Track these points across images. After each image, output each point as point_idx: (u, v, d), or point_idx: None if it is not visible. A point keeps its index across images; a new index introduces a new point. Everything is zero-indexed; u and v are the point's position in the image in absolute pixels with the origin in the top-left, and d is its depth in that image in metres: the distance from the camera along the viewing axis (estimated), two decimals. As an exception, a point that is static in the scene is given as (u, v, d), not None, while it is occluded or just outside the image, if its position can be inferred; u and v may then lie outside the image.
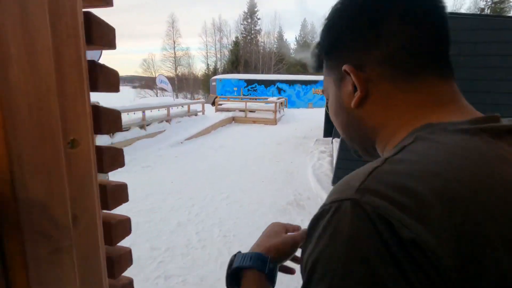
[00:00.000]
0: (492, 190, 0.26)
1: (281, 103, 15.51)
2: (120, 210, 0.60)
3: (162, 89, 19.64)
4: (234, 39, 40.23)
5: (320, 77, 19.41)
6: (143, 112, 8.94)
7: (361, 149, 0.46)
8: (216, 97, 15.93)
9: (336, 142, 6.59)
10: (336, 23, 0.41)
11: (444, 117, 0.34)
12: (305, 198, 4.72)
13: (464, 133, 0.31)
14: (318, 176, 5.64)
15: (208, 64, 41.17)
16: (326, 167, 6.16)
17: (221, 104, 14.72)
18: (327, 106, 0.49)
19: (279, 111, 14.42)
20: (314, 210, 2.99)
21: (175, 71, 37.20)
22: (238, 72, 30.65)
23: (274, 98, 16.66)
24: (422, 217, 0.24)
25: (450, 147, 0.29)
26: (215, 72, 39.07)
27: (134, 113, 8.67)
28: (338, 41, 0.41)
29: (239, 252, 0.50)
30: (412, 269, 0.23)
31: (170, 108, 10.65)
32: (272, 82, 24.15)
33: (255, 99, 16.43)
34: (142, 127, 8.81)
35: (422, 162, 0.29)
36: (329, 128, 8.66)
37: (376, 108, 0.39)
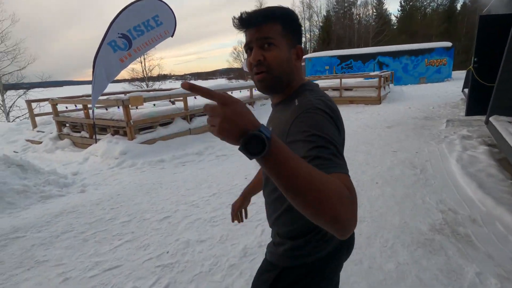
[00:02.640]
0: (336, 108, 0.80)
1: (386, 77, 12.51)
2: None
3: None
4: (325, 13, 36.81)
5: (435, 45, 14.92)
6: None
7: (281, 80, 0.82)
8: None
9: (500, 121, 4.01)
10: (299, 25, 0.87)
11: (307, 81, 0.89)
12: (466, 219, 2.65)
13: (317, 86, 0.87)
14: (476, 177, 3.36)
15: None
16: (486, 162, 3.75)
17: None
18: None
19: (383, 88, 11.57)
20: (492, 250, 2.18)
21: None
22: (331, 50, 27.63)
23: (376, 73, 13.69)
24: (337, 115, 0.77)
25: (320, 92, 0.83)
26: (304, 54, 36.66)
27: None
28: (300, 34, 0.86)
29: (247, 138, 0.50)
30: (336, 126, 0.72)
31: (253, 89, 9.49)
32: (372, 56, 20.50)
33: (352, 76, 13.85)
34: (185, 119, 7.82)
35: (321, 97, 0.78)
36: (476, 104, 5.81)
37: (298, 70, 0.86)
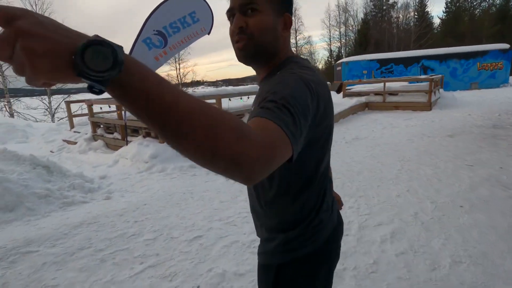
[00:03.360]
0: (327, 89, 0.71)
1: (437, 81, 11.30)
2: None
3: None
4: (362, 16, 35.36)
5: (490, 47, 13.27)
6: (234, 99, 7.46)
7: (263, 49, 0.74)
8: (342, 83, 13.21)
9: None
10: None
11: (295, 54, 0.82)
12: None
13: (306, 61, 0.80)
14: None
15: (331, 50, 37.95)
16: None
17: (349, 88, 11.97)
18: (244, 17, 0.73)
19: (433, 93, 10.41)
20: None
21: (296, 61, 36.02)
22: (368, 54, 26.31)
23: (426, 76, 12.49)
24: (319, 88, 0.66)
25: (308, 65, 0.75)
26: (338, 59, 35.58)
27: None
28: (289, 1, 0.78)
29: (81, 50, 0.31)
30: (317, 102, 0.63)
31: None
32: (415, 60, 19.01)
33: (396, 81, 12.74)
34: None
35: (307, 70, 0.70)
36: None
37: (285, 41, 0.78)
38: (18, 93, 20.92)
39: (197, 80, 33.00)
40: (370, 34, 33.43)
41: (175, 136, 0.38)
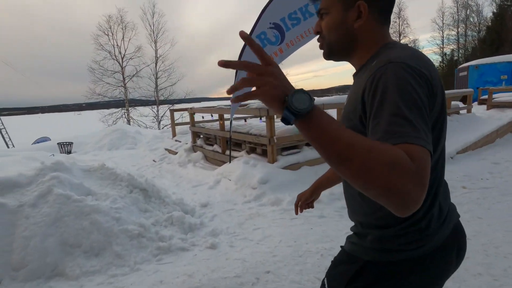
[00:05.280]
0: (434, 68, 0.66)
1: None
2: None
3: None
4: (494, 10, 28.65)
5: None
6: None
7: (335, 46, 0.77)
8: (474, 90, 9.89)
9: None
10: None
11: (392, 40, 0.75)
12: None
13: (405, 45, 0.72)
14: None
15: (444, 54, 31.99)
16: None
17: (494, 98, 8.90)
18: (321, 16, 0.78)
19: None
20: None
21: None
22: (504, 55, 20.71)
23: None
24: (430, 73, 0.62)
25: (409, 47, 0.70)
26: (451, 65, 29.74)
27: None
28: None
29: (292, 95, 0.50)
30: (428, 89, 0.60)
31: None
32: None
33: None
34: None
35: (408, 51, 0.67)
36: None
37: (366, 30, 0.73)
38: (136, 102, 24.06)
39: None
40: (507, 30, 26.64)
41: (336, 163, 0.49)
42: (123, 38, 22.21)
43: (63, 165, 2.71)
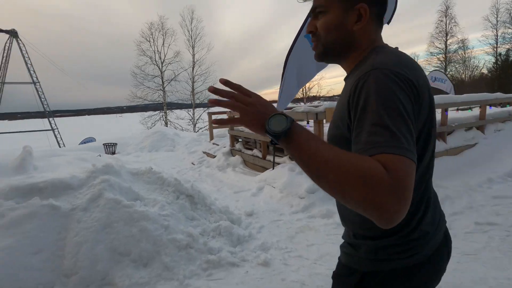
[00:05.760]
0: (422, 74, 0.66)
1: None
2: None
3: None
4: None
5: None
6: (445, 111, 5.18)
7: (331, 48, 0.74)
8: None
9: None
10: None
11: (382, 44, 0.73)
12: None
13: (394, 49, 0.72)
14: None
15: (499, 55, 29.17)
16: None
17: None
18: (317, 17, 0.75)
19: None
20: None
21: (445, 70, 29.39)
22: None
23: None
24: (417, 79, 0.61)
25: (397, 52, 0.69)
26: (506, 66, 27.06)
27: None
28: None
29: (269, 119, 0.57)
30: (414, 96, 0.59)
31: (488, 107, 6.07)
32: None
33: None
34: (441, 136, 5.11)
35: (394, 56, 0.66)
36: None
37: (364, 33, 0.71)
38: (172, 106, 24.94)
39: (313, 95, 31.53)
40: None
41: (314, 179, 0.52)
42: (163, 44, 23.19)
43: (113, 168, 2.67)
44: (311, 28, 0.75)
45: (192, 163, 6.98)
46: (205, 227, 2.57)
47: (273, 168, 4.49)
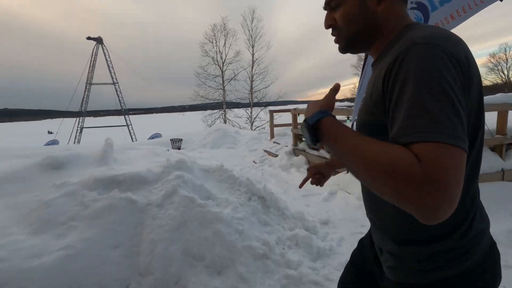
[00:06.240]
0: (470, 51, 0.56)
1: None
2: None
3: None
4: None
5: None
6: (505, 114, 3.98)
7: (356, 37, 0.69)
8: None
9: None
10: None
11: (414, 21, 0.65)
12: None
13: (428, 25, 0.61)
14: None
15: None
16: None
17: None
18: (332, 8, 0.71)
19: None
20: None
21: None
22: None
23: None
24: (466, 57, 0.53)
25: (437, 27, 0.58)
26: None
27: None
28: None
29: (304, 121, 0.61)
30: (463, 76, 0.51)
31: None
32: None
33: None
34: (496, 149, 3.96)
35: (437, 29, 0.56)
36: None
37: (390, 12, 0.65)
38: (230, 105, 25.61)
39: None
40: None
41: (351, 171, 0.50)
42: (224, 44, 23.90)
43: (186, 163, 2.58)
44: (330, 22, 0.71)
45: (254, 161, 6.85)
46: (280, 234, 2.30)
47: (347, 172, 4.04)
